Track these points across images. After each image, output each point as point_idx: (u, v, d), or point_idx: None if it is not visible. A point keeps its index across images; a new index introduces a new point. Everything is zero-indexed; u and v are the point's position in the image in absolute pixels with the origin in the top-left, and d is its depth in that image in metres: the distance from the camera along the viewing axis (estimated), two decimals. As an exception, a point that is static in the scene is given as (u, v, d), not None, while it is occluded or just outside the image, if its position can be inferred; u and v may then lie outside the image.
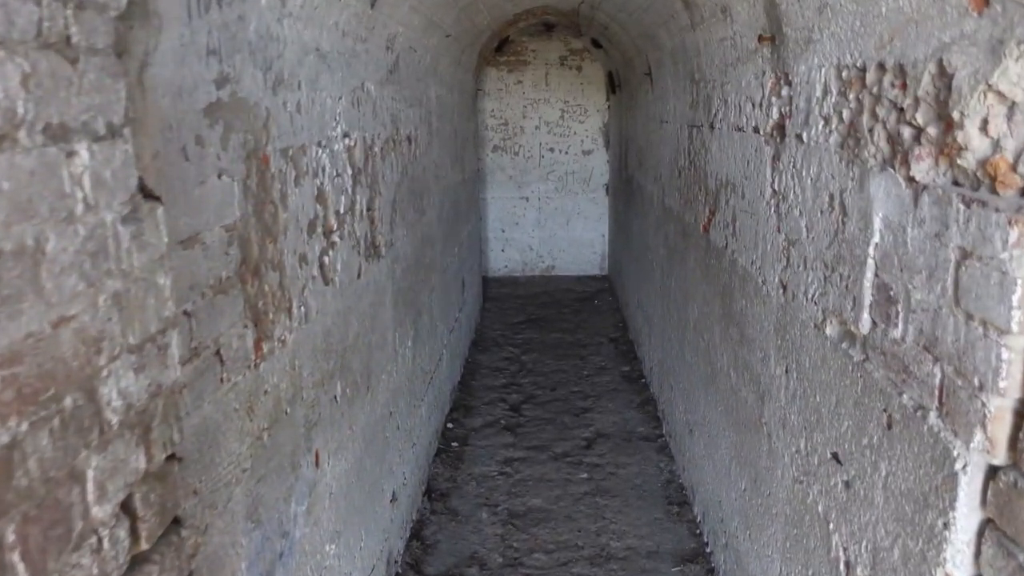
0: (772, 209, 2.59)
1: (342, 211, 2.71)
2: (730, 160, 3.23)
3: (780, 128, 2.51)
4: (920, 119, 1.56)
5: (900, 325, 1.66)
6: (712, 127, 3.56)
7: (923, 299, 1.56)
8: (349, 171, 2.80)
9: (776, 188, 2.55)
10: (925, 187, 1.55)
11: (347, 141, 2.78)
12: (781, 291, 2.48)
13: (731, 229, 3.20)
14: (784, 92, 2.46)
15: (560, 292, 9.08)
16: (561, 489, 4.48)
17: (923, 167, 1.56)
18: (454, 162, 5.98)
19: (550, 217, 9.68)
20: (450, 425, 5.36)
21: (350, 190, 2.81)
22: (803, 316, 2.27)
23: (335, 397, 2.65)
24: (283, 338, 2.12)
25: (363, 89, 2.99)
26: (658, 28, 4.52)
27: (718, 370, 3.45)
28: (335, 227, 2.62)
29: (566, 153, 9.51)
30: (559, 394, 5.94)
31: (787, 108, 2.44)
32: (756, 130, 2.81)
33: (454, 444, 5.09)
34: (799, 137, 2.31)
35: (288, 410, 2.18)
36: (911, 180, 1.60)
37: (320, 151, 2.46)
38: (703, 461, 3.81)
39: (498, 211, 9.66)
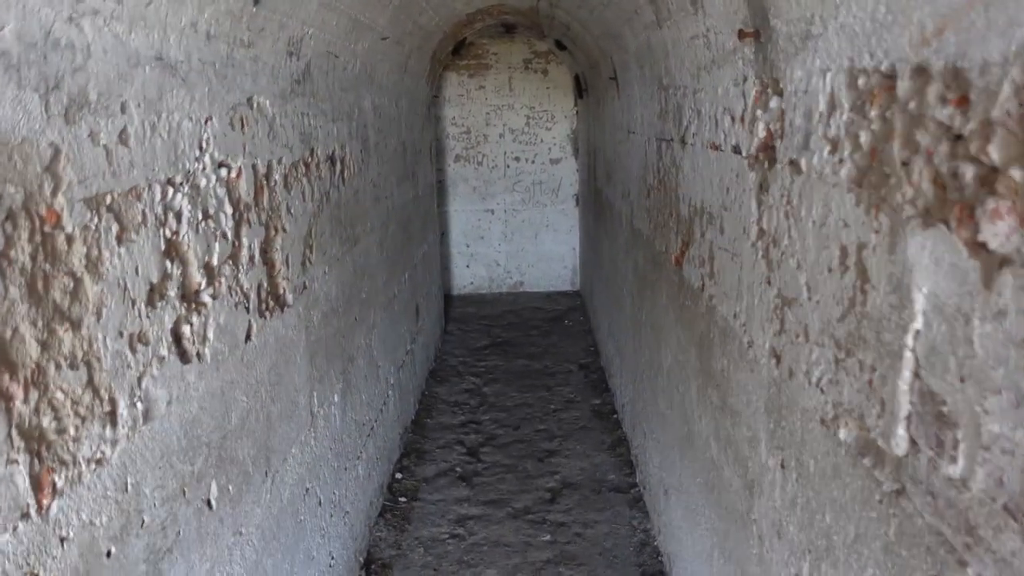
0: (760, 254, 2.04)
1: (216, 262, 2.12)
2: (705, 184, 2.68)
3: (768, 150, 1.96)
4: (995, 154, 1.01)
5: (962, 461, 1.11)
6: (684, 142, 3.01)
7: (1005, 434, 1.00)
8: (229, 210, 2.22)
9: (764, 227, 2.00)
10: (1005, 261, 1.00)
11: (225, 173, 2.20)
12: (774, 362, 1.93)
13: (708, 268, 2.64)
14: (773, 104, 1.91)
15: (529, 311, 8.51)
16: (520, 556, 3.91)
17: (1001, 229, 1.01)
18: (403, 179, 5.40)
19: (517, 230, 9.12)
20: (399, 475, 4.77)
21: (231, 233, 2.23)
22: (805, 403, 1.72)
23: (208, 502, 2.06)
24: (98, 457, 1.54)
25: (251, 105, 2.41)
26: (622, 26, 3.98)
27: (695, 434, 2.89)
28: (202, 285, 2.03)
29: (533, 162, 8.96)
30: (523, 433, 5.37)
31: (777, 125, 1.89)
32: (736, 150, 2.26)
33: (402, 499, 4.51)
34: (794, 164, 1.76)
35: (113, 549, 1.59)
36: (978, 247, 1.05)
37: (172, 191, 1.88)
38: (682, 532, 3.25)
39: (462, 225, 9.09)
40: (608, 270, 6.01)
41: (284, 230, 2.72)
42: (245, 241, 2.34)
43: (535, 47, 8.70)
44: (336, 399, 3.41)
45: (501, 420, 5.61)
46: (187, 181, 1.96)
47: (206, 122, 2.07)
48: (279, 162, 2.68)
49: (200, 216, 2.03)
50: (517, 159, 8.94)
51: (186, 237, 1.95)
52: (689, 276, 2.96)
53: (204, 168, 2.06)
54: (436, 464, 4.96)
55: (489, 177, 8.97)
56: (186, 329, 1.94)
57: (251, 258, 2.39)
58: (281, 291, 2.68)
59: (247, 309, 2.35)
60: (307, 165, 3.02)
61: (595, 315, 7.24)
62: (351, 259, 3.75)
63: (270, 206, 2.58)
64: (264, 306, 2.51)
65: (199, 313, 2.01)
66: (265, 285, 2.51)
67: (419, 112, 6.37)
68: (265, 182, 2.54)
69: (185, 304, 1.94)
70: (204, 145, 2.06)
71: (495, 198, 9.02)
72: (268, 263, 2.55)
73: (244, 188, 2.34)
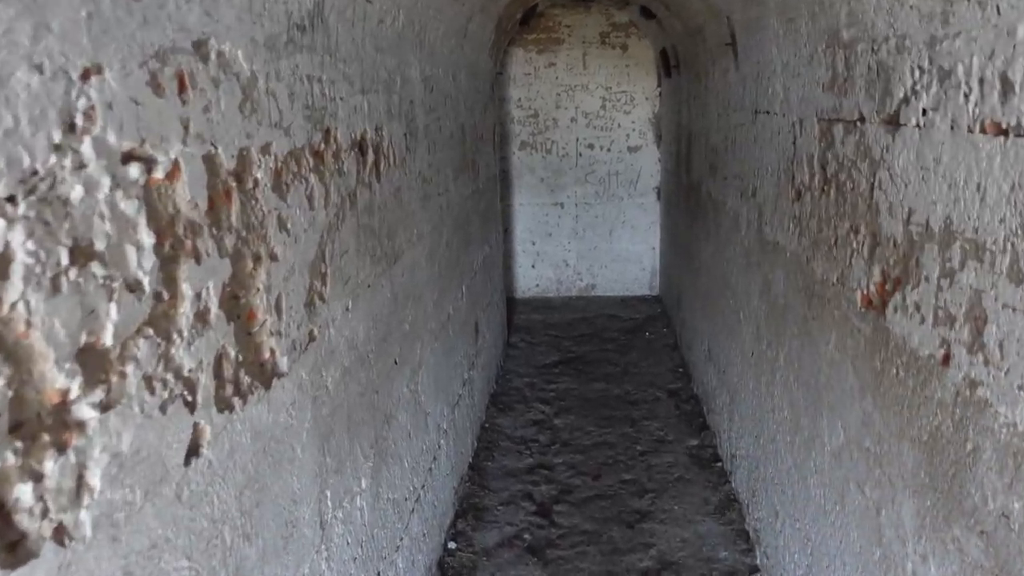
0: None
1: (112, 339, 1.14)
2: (958, 190, 1.60)
3: None
4: None
5: None
6: (896, 123, 1.93)
7: None
8: (148, 237, 1.23)
9: None
10: None
11: (139, 172, 1.21)
12: None
13: (966, 333, 1.57)
14: None
15: (602, 319, 7.45)
16: None
17: None
18: (460, 170, 4.41)
19: (589, 227, 8.05)
20: (452, 545, 3.80)
21: (150, 279, 1.24)
22: None
23: None
24: None
25: (203, 55, 1.42)
26: (761, -34, 2.89)
27: (894, 557, 1.82)
28: (73, 391, 1.05)
29: (608, 150, 7.88)
30: (605, 485, 4.35)
31: None
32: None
33: (455, 583, 3.53)
34: None
35: None
36: None
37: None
38: None
39: (527, 220, 8.07)
40: (706, 281, 4.93)
41: (273, 257, 1.73)
42: (186, 288, 1.35)
43: (613, 18, 7.61)
44: (363, 485, 2.43)
45: (577, 465, 4.59)
46: (30, 192, 0.98)
47: (85, 77, 1.08)
48: (264, 151, 1.69)
49: (63, 259, 1.04)
50: (591, 146, 7.87)
51: (23, 305, 0.97)
52: (904, 332, 1.88)
53: (80, 164, 1.08)
54: (499, 528, 3.97)
55: (559, 167, 7.92)
56: (24, 494, 0.96)
57: (201, 315, 1.40)
58: (267, 356, 1.69)
59: (190, 405, 1.37)
60: (318, 154, 2.02)
61: (683, 329, 6.15)
62: (389, 282, 2.76)
63: (244, 222, 1.59)
64: (232, 389, 1.52)
65: (59, 449, 1.03)
66: (233, 354, 1.53)
67: (481, 90, 5.36)
68: (235, 184, 1.55)
69: (24, 440, 0.96)
70: (79, 121, 1.07)
71: (565, 190, 7.97)
72: (241, 315, 1.57)
73: (184, 196, 1.35)
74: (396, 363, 2.85)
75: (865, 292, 2.14)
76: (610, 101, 7.77)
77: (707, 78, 4.81)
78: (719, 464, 4.49)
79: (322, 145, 2.05)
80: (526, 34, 7.63)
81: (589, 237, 8.07)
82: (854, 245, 2.23)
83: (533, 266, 8.18)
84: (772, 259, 3.23)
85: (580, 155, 7.89)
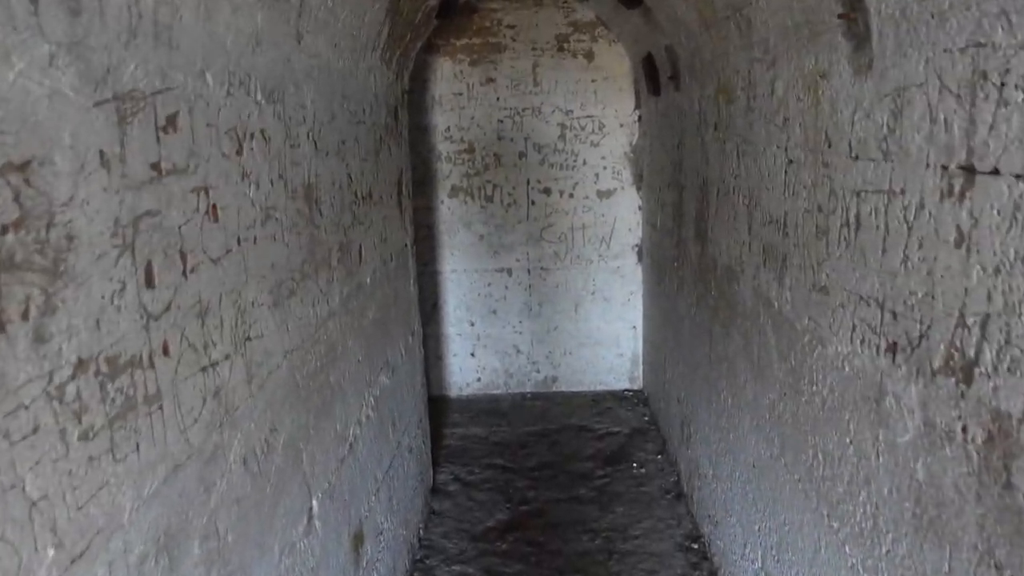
0: None
1: None
2: None
3: None
4: None
5: None
6: None
7: None
8: None
9: None
10: None
11: None
12: None
13: None
14: None
15: (569, 434, 5.31)
16: None
17: None
18: (326, 266, 2.26)
19: (547, 300, 5.93)
20: None
21: None
22: None
23: None
24: None
25: None
26: None
27: None
28: None
29: (571, 196, 5.78)
30: None
31: None
32: None
33: None
34: None
35: None
36: None
37: None
38: None
39: (463, 292, 5.91)
40: (745, 404, 2.81)
41: None
42: None
43: (574, 15, 5.54)
44: None
45: None
46: None
47: None
48: None
49: None
50: (546, 191, 5.76)
51: None
52: None
53: None
54: None
55: (504, 220, 5.80)
56: None
57: None
58: None
59: None
60: None
61: (691, 452, 4.03)
62: None
63: None
64: None
65: None
66: None
67: (370, 119, 3.21)
68: None
69: None
70: None
71: (513, 251, 5.84)
72: None
73: None
74: None
75: None
76: (571, 129, 5.68)
77: (753, 94, 2.72)
78: None
79: None
80: (453, 37, 5.51)
81: (547, 314, 5.94)
82: None
83: (472, 354, 6.02)
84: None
85: (532, 203, 5.78)
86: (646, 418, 5.51)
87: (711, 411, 3.59)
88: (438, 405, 5.84)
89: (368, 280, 3.15)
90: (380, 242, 3.40)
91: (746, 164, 2.86)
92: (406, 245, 4.06)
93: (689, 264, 4.02)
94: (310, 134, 2.37)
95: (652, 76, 4.69)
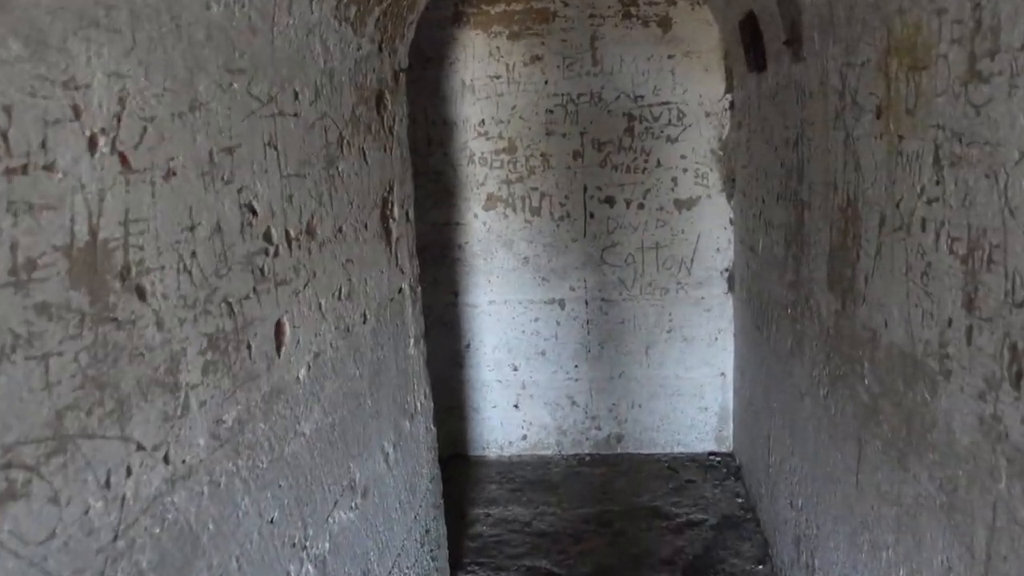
0: None
1: None
2: None
3: None
4: None
5: None
6: None
7: None
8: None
9: None
10: None
11: None
12: None
13: None
14: None
15: (638, 522, 4.04)
16: None
17: None
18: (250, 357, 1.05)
19: (610, 339, 4.65)
20: None
21: None
22: None
23: None
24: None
25: None
26: None
27: None
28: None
29: (640, 206, 4.48)
30: None
31: None
32: None
33: None
34: None
35: None
36: None
37: None
38: None
39: (503, 329, 4.68)
40: (909, 552, 1.51)
41: None
42: None
43: (645, -28, 4.24)
44: None
45: None
46: None
47: None
48: None
49: None
50: (609, 200, 4.48)
51: None
52: None
53: None
54: None
55: (555, 237, 4.54)
56: None
57: None
58: None
59: None
60: None
61: (807, 544, 2.71)
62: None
63: None
64: None
65: None
66: None
67: (321, 114, 2.01)
68: None
69: None
70: None
71: (567, 278, 4.58)
72: None
73: None
74: None
75: None
76: (642, 121, 4.38)
77: (988, 48, 1.40)
78: None
79: None
80: (484, 3, 4.27)
81: (610, 357, 4.66)
82: None
83: (516, 406, 4.78)
84: None
85: (591, 216, 4.50)
86: (740, 500, 4.18)
87: (857, 557, 2.27)
88: (471, 471, 4.64)
89: (303, 373, 1.94)
90: (337, 300, 2.19)
91: (960, 182, 1.53)
92: (401, 290, 2.84)
93: (815, 320, 2.69)
94: (106, 134, 1.17)
95: (755, 44, 3.35)
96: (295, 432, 1.89)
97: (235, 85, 1.61)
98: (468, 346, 4.69)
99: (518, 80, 4.38)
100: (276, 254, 1.80)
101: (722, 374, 4.61)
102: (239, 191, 1.63)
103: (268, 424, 1.74)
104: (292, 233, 1.89)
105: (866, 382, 2.16)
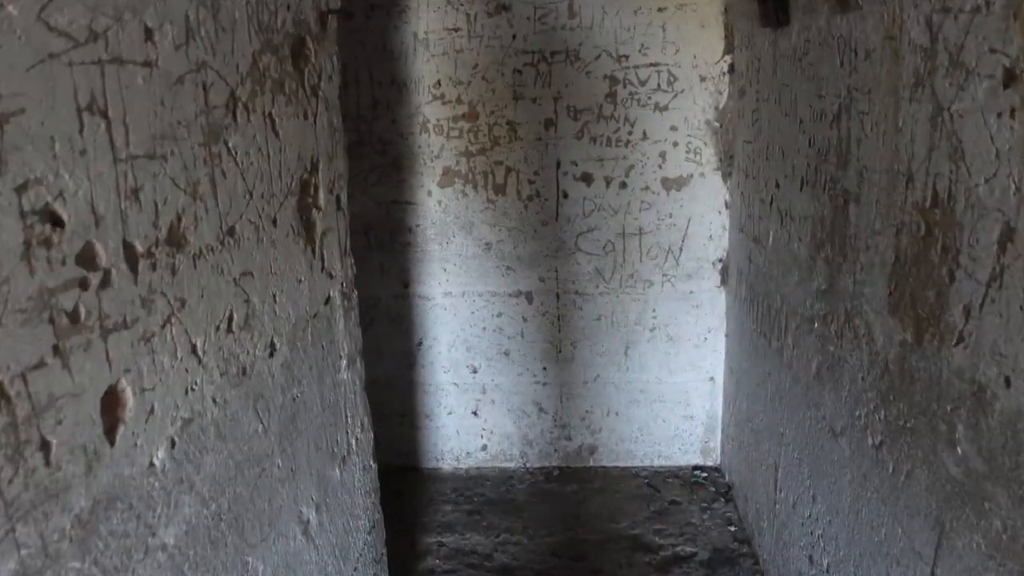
0: None
1: None
2: None
3: None
4: None
5: None
6: None
7: None
8: None
9: None
10: None
11: None
12: None
13: None
14: None
15: (615, 557, 3.48)
16: None
17: None
18: None
19: (585, 338, 4.04)
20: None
21: None
22: None
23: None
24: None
25: None
26: None
27: None
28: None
29: (623, 185, 3.85)
30: None
31: None
32: None
33: None
34: None
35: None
36: None
37: None
38: None
39: (461, 325, 4.04)
40: None
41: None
42: None
43: (633, -93, 3.56)
44: None
45: None
46: None
47: None
48: None
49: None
50: (586, 178, 3.84)
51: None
52: None
53: None
54: None
55: (522, 220, 3.89)
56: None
57: None
58: None
59: None
60: None
61: None
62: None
63: None
64: None
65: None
66: None
67: (255, 74, 1.32)
68: None
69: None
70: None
71: (536, 267, 3.95)
72: None
73: None
74: None
75: None
76: (626, 85, 3.73)
77: None
78: None
79: None
80: (442, -62, 3.57)
81: (584, 358, 4.06)
82: None
83: (476, 412, 4.16)
84: None
85: (565, 196, 3.86)
86: (732, 528, 3.63)
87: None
88: (423, 487, 4.03)
89: (161, 456, 1.28)
90: (225, 334, 1.53)
91: None
92: (328, 300, 2.18)
93: (863, 347, 2.10)
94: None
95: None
96: (146, 549, 1.24)
97: (8, 7, 0.93)
98: (420, 344, 4.05)
99: (481, 34, 3.69)
100: (105, 284, 1.13)
101: (711, 379, 4.04)
102: (19, 189, 0.96)
103: (90, 558, 1.09)
104: (139, 247, 1.22)
105: (959, 451, 1.57)
